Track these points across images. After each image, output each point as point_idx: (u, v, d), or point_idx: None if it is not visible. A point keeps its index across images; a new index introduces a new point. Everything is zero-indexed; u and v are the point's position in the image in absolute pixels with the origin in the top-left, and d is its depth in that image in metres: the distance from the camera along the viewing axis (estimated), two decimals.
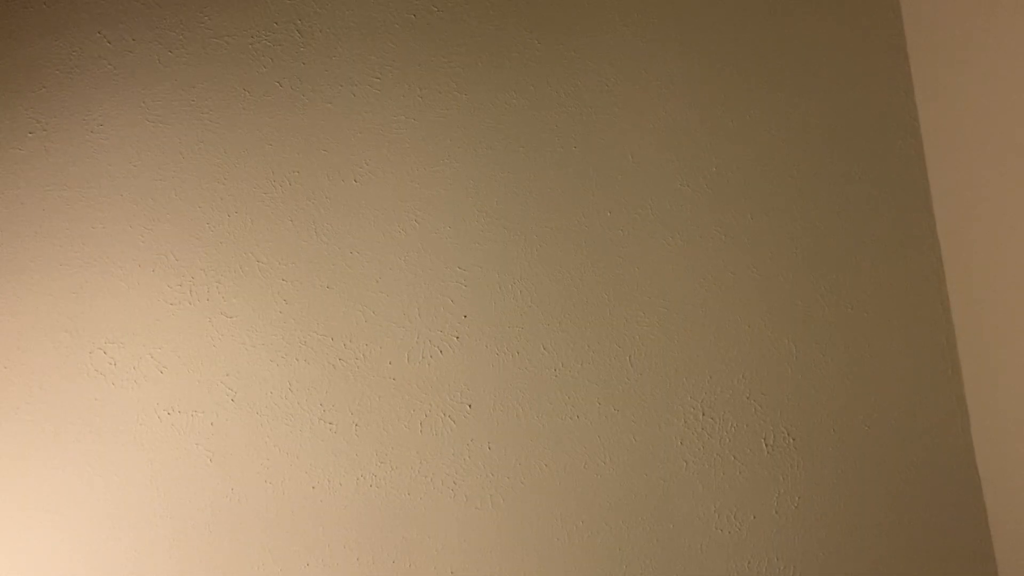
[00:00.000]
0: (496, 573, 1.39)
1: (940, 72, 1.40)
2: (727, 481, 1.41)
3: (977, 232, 1.33)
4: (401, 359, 1.45)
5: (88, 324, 1.48)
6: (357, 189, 1.50)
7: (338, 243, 1.49)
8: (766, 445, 1.42)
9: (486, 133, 1.51)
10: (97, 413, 1.46)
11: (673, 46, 1.51)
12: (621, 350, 1.45)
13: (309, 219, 1.50)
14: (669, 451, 1.42)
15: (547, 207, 1.49)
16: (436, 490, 1.42)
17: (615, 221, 1.48)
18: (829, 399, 1.42)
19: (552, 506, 1.41)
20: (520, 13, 1.53)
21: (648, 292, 1.46)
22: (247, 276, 1.48)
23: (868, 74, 1.49)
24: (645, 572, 1.39)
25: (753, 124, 1.49)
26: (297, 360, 1.46)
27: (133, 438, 1.45)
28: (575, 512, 1.41)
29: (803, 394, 1.43)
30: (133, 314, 1.48)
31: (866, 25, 1.50)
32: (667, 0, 1.53)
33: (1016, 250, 1.23)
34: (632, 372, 1.44)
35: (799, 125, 1.49)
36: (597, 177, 1.49)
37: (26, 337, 1.48)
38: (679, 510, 1.41)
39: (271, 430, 1.44)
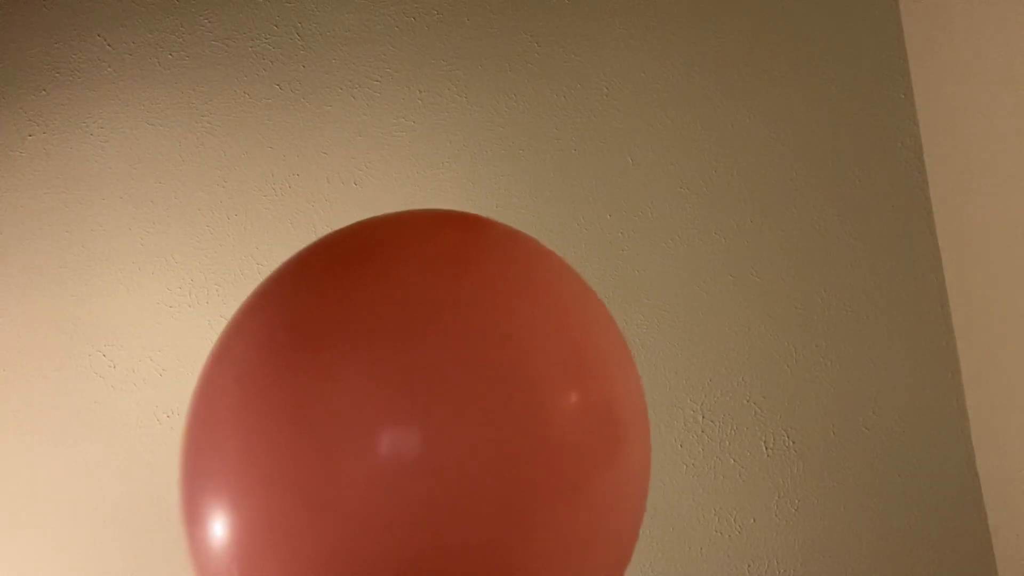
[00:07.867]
0: None
1: (940, 73, 1.40)
2: (727, 484, 1.41)
3: (977, 234, 1.33)
4: None
5: (88, 327, 1.48)
6: (357, 192, 1.50)
7: None
8: (766, 448, 1.42)
9: (485, 136, 1.51)
10: (96, 416, 1.45)
11: (672, 49, 1.52)
12: None
13: (309, 222, 1.49)
14: (669, 454, 1.42)
15: (547, 210, 1.49)
16: None
17: (615, 224, 1.48)
18: (829, 402, 1.42)
19: None
20: (519, 17, 1.54)
21: (648, 295, 1.46)
22: (247, 279, 1.48)
23: (867, 75, 1.49)
24: (645, 575, 1.39)
25: (752, 127, 1.49)
26: None
27: (133, 441, 1.45)
28: None
29: (802, 397, 1.43)
30: (133, 317, 1.48)
31: (866, 27, 1.50)
32: (666, 4, 1.53)
33: (1016, 252, 1.23)
34: None
35: (799, 127, 1.49)
36: (597, 180, 1.49)
37: (25, 339, 1.48)
38: (679, 513, 1.41)
39: None
